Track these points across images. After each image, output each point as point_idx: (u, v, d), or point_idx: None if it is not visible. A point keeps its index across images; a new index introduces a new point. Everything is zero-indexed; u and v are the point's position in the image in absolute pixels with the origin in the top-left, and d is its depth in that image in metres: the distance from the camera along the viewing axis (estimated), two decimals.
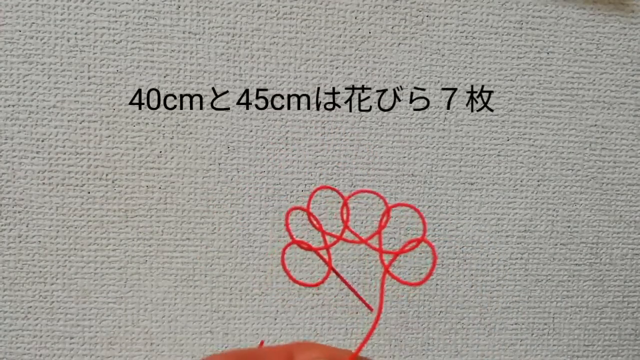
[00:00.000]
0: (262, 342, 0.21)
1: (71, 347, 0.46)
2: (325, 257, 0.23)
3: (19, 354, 0.46)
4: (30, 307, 0.46)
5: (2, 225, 0.45)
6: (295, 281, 0.23)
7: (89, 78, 0.44)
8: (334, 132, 0.46)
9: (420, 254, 0.47)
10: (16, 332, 0.46)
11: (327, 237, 0.23)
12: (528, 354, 0.50)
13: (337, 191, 0.25)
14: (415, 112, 0.47)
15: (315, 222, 0.23)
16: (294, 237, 0.22)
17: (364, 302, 0.24)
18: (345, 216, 0.23)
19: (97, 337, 0.46)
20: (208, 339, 0.47)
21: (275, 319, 0.47)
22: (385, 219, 0.23)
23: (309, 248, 0.23)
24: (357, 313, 0.48)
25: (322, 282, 0.23)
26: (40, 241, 0.45)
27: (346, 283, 0.25)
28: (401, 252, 0.23)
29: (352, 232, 0.23)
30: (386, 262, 0.23)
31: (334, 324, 0.48)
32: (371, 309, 0.23)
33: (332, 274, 0.23)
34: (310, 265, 0.46)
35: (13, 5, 0.43)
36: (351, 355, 0.21)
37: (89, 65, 0.44)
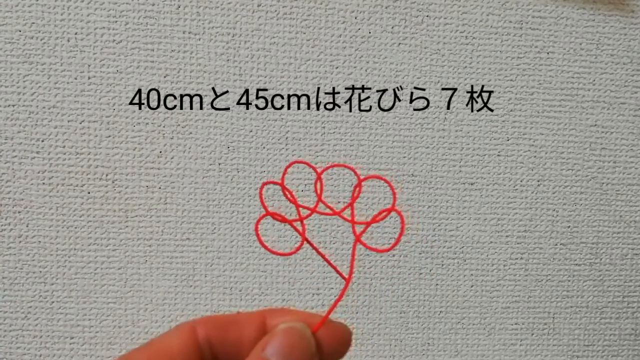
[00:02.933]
0: (238, 312, 0.21)
1: (71, 347, 0.46)
2: (300, 228, 0.23)
3: (19, 354, 0.46)
4: (30, 307, 0.46)
5: (2, 225, 0.45)
6: (269, 250, 0.23)
7: (89, 78, 0.44)
8: (334, 132, 0.46)
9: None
10: (16, 332, 0.46)
11: (302, 210, 0.24)
12: (528, 354, 0.50)
13: (311, 165, 0.25)
14: (415, 112, 0.47)
15: (289, 196, 0.24)
16: (268, 209, 0.22)
17: (336, 270, 0.24)
18: (319, 189, 0.24)
19: (97, 337, 0.46)
20: None
21: None
22: (357, 191, 0.23)
23: (284, 220, 0.23)
24: (356, 313, 0.48)
25: (296, 251, 0.23)
26: (40, 241, 0.45)
27: (319, 252, 0.25)
28: (372, 222, 0.23)
29: (325, 204, 0.24)
30: (358, 232, 0.23)
31: None
32: (344, 277, 0.24)
33: (306, 245, 0.24)
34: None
35: (13, 5, 0.43)
36: (322, 319, 0.22)
37: (89, 65, 0.44)
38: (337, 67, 0.46)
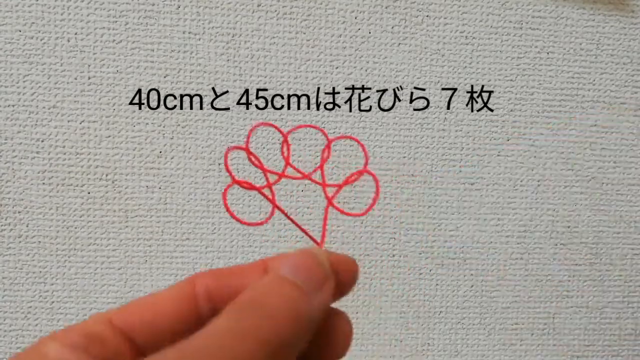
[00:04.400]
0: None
1: None
2: (269, 195, 0.23)
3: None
4: (30, 307, 0.45)
5: (2, 225, 0.45)
6: (240, 221, 0.23)
7: (89, 78, 0.44)
8: (334, 132, 0.46)
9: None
10: (16, 332, 0.46)
11: (269, 176, 0.23)
12: (528, 354, 0.50)
13: (277, 127, 0.25)
14: (415, 112, 0.47)
15: (255, 161, 0.23)
16: (235, 177, 0.22)
17: (309, 236, 0.24)
18: (286, 153, 0.23)
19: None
20: None
21: None
22: (326, 153, 0.23)
23: (251, 187, 0.23)
24: (356, 313, 0.48)
25: (267, 220, 0.22)
26: (40, 241, 0.45)
27: (290, 219, 0.24)
28: (345, 184, 0.23)
29: (294, 168, 0.23)
30: (330, 196, 0.23)
31: None
32: (317, 243, 0.23)
33: (277, 212, 0.23)
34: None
35: (13, 5, 0.43)
36: (320, 242, 0.22)
37: (89, 65, 0.44)
38: (337, 67, 0.46)
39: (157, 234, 0.46)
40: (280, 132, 0.23)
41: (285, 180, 0.22)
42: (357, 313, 0.48)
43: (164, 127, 0.45)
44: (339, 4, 0.46)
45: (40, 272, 0.45)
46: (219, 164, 0.46)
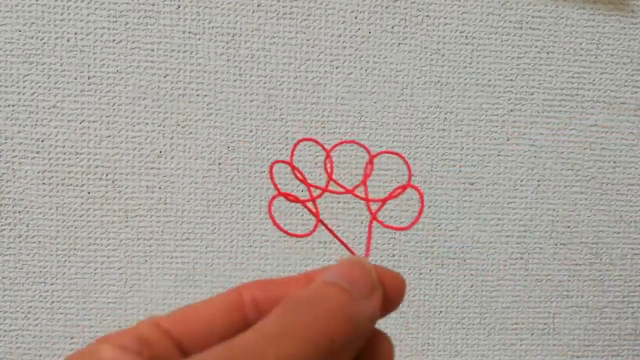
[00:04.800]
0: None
1: (71, 347, 0.46)
2: (313, 209, 0.23)
3: (19, 354, 0.46)
4: (30, 307, 0.46)
5: (2, 225, 0.45)
6: (286, 232, 0.23)
7: (89, 78, 0.44)
8: (333, 132, 0.46)
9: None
10: (16, 332, 0.46)
11: (313, 190, 0.23)
12: (528, 354, 0.50)
13: (320, 143, 0.25)
14: (415, 112, 0.47)
15: (299, 175, 0.23)
16: (280, 189, 0.22)
17: (351, 251, 0.24)
18: (329, 168, 0.23)
19: (97, 337, 0.46)
20: None
21: None
22: (369, 168, 0.23)
23: (296, 200, 0.23)
24: None
25: (311, 233, 0.22)
26: (40, 241, 0.45)
27: (333, 234, 0.24)
28: (388, 199, 0.23)
29: (337, 183, 0.23)
30: (373, 210, 0.23)
31: None
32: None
33: (321, 226, 0.23)
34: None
35: (13, 5, 0.43)
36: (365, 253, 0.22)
37: (89, 65, 0.44)
38: (337, 67, 0.46)
39: (157, 234, 0.46)
40: (323, 147, 0.24)
41: (328, 195, 0.22)
42: None
43: (164, 127, 0.45)
44: (339, 4, 0.46)
45: (40, 272, 0.45)
46: (219, 164, 0.46)
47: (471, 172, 0.48)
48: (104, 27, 0.44)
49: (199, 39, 0.45)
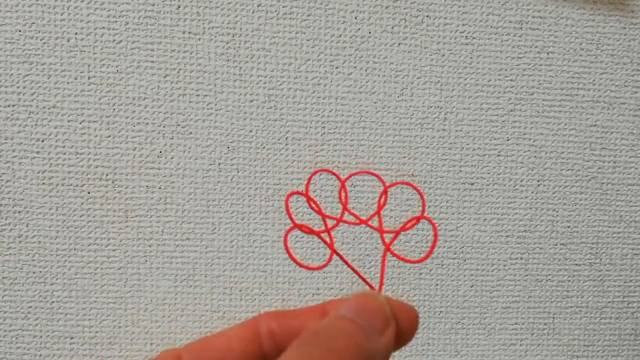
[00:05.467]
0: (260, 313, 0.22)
1: (71, 347, 0.46)
2: (327, 240, 0.23)
3: (19, 354, 0.46)
4: (30, 307, 0.46)
5: (2, 225, 0.45)
6: (301, 265, 0.23)
7: (89, 78, 0.44)
8: (333, 132, 0.46)
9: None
10: (16, 332, 0.46)
11: (328, 220, 0.23)
12: (528, 354, 0.50)
13: (335, 174, 0.24)
14: (415, 112, 0.47)
15: (314, 206, 0.23)
16: (295, 221, 0.22)
17: (366, 282, 0.24)
18: (343, 198, 0.23)
19: (97, 337, 0.46)
20: None
21: None
22: (383, 198, 0.23)
23: (311, 232, 0.23)
24: None
25: (326, 265, 0.23)
26: (40, 241, 0.45)
27: (349, 265, 0.24)
28: (402, 230, 0.23)
29: (351, 213, 0.23)
30: (387, 242, 0.23)
31: None
32: (373, 288, 0.23)
33: (335, 256, 0.23)
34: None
35: (13, 5, 0.43)
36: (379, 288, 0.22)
37: (89, 65, 0.44)
38: (337, 67, 0.46)
39: (157, 234, 0.46)
40: (338, 178, 0.24)
41: (342, 225, 0.23)
42: None
43: (164, 127, 0.45)
44: (339, 4, 0.46)
45: (40, 272, 0.45)
46: (219, 164, 0.46)
47: (471, 172, 0.48)
48: (104, 27, 0.44)
49: (199, 39, 0.45)
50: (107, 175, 0.45)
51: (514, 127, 0.48)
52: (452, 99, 0.47)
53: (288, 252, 0.23)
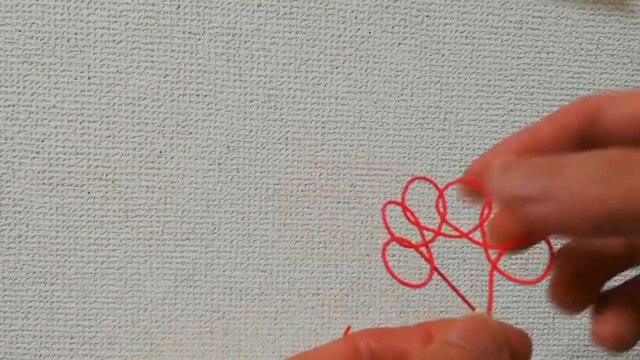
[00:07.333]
0: (348, 328, 0.21)
1: (71, 347, 0.46)
2: (425, 254, 0.22)
3: (19, 354, 0.46)
4: (30, 307, 0.46)
5: (2, 225, 0.45)
6: (400, 281, 0.21)
7: (89, 78, 0.44)
8: (334, 132, 0.46)
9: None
10: (16, 332, 0.46)
11: (425, 232, 0.22)
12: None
13: (433, 182, 0.23)
14: (415, 112, 0.47)
15: (410, 217, 0.22)
16: (393, 233, 0.20)
17: (468, 304, 0.22)
18: (442, 209, 0.22)
19: (97, 337, 0.46)
20: (208, 339, 0.47)
21: (275, 319, 0.47)
22: (487, 210, 0.21)
23: (410, 245, 0.21)
24: (356, 313, 0.48)
25: (426, 282, 0.21)
26: (40, 241, 0.45)
27: (449, 283, 0.23)
28: (508, 246, 0.21)
29: (451, 225, 0.22)
30: (493, 258, 0.21)
31: (334, 324, 0.47)
32: (473, 309, 0.21)
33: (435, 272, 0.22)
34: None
35: (13, 5, 0.43)
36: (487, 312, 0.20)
37: (89, 65, 0.44)
38: (337, 67, 0.46)
39: (157, 234, 0.46)
40: (436, 186, 0.22)
41: (441, 239, 0.21)
42: (357, 313, 0.48)
43: (164, 127, 0.45)
44: (339, 4, 0.46)
45: (40, 272, 0.45)
46: (219, 164, 0.46)
47: None
48: (104, 27, 0.44)
49: (199, 39, 0.45)
50: (107, 175, 0.45)
51: (514, 127, 0.48)
52: (452, 99, 0.47)
53: (387, 266, 0.21)
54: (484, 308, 0.19)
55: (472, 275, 0.47)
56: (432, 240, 0.21)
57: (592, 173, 0.16)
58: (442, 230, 0.20)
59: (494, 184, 0.18)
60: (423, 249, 0.21)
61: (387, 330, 0.21)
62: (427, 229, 0.21)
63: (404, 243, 0.20)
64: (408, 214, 0.21)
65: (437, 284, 0.41)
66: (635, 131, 0.18)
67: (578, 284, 0.19)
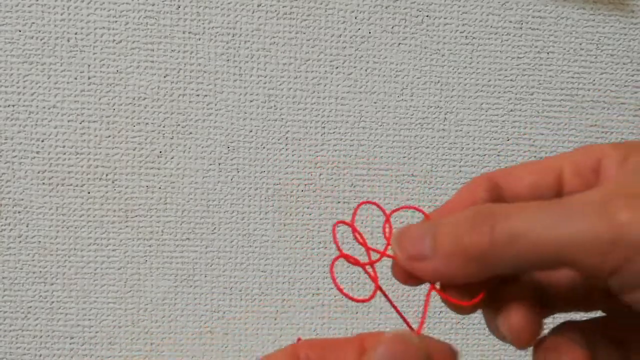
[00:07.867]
0: (299, 339, 0.21)
1: (71, 347, 0.46)
2: (371, 272, 0.23)
3: (19, 354, 0.46)
4: (30, 307, 0.46)
5: (2, 225, 0.45)
6: (347, 296, 0.22)
7: (89, 78, 0.44)
8: (334, 132, 0.46)
9: None
10: (16, 332, 0.46)
11: (372, 253, 0.23)
12: (528, 353, 0.50)
13: (380, 206, 0.24)
14: (415, 112, 0.47)
15: (359, 238, 0.23)
16: (342, 250, 0.22)
17: (406, 321, 0.24)
18: (387, 232, 0.23)
19: (97, 337, 0.46)
20: (208, 339, 0.47)
21: (275, 319, 0.47)
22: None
23: (356, 263, 0.23)
24: (356, 313, 0.48)
25: (370, 298, 0.23)
26: (40, 241, 0.45)
27: (391, 302, 0.24)
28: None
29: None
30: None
31: (334, 324, 0.48)
32: (412, 329, 0.23)
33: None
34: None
35: (13, 5, 0.43)
36: (418, 329, 0.22)
37: (89, 65, 0.44)
38: (337, 67, 0.46)
39: (157, 234, 0.46)
40: (383, 211, 0.23)
41: (386, 259, 0.23)
42: (356, 313, 0.48)
43: (164, 127, 0.45)
44: (339, 4, 0.46)
45: (40, 272, 0.45)
46: (219, 164, 0.46)
47: (471, 172, 0.48)
48: (104, 27, 0.44)
49: (199, 39, 0.45)
50: (107, 175, 0.45)
51: (514, 127, 0.48)
52: (452, 99, 0.47)
53: (334, 280, 0.22)
54: (416, 326, 0.21)
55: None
56: (378, 260, 0.22)
57: (462, 227, 0.20)
58: (388, 252, 0.22)
59: (394, 249, 0.22)
60: (369, 267, 0.22)
61: (327, 341, 0.22)
62: (374, 250, 0.22)
63: (350, 260, 0.22)
64: (357, 234, 0.23)
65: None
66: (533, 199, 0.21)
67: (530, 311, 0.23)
